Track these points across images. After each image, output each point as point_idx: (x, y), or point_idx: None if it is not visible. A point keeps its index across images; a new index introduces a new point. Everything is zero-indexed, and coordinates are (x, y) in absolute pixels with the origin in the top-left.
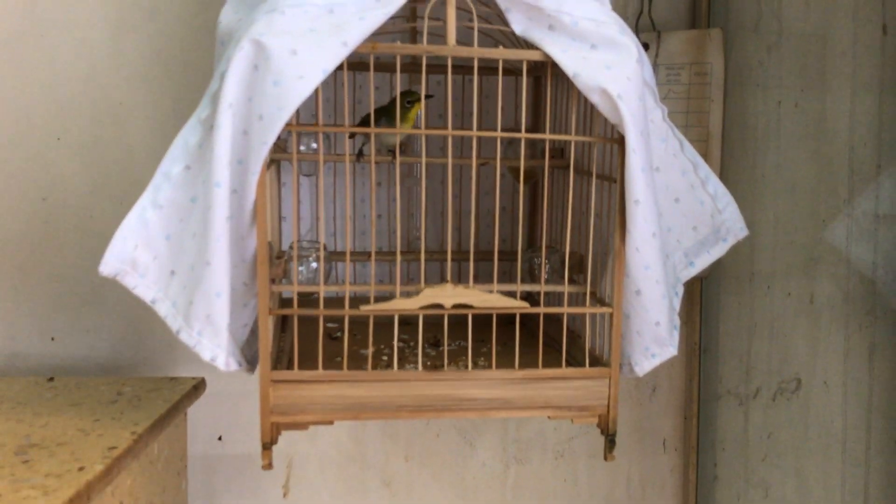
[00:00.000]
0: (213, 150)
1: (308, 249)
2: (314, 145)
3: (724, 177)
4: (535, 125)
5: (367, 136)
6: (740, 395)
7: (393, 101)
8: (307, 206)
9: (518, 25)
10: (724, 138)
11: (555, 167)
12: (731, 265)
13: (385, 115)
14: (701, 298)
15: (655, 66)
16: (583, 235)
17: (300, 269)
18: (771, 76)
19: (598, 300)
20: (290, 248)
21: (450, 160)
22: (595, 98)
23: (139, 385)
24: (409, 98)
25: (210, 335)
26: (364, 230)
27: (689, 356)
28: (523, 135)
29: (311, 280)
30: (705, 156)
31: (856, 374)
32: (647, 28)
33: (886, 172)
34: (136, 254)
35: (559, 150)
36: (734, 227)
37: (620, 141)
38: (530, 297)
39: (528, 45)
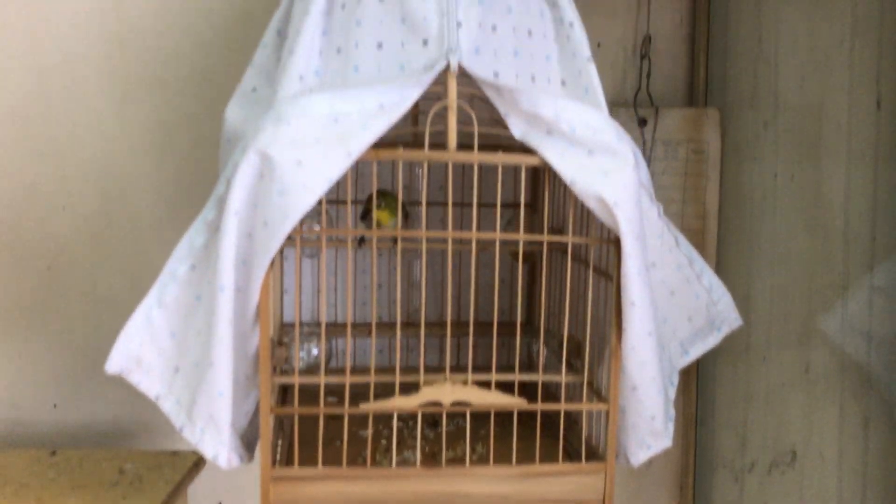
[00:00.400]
0: (218, 254)
1: (309, 336)
2: (316, 227)
3: (720, 249)
4: (535, 198)
5: (367, 223)
6: (735, 468)
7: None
8: (308, 279)
9: (517, 130)
10: (721, 211)
11: (553, 249)
12: (726, 337)
13: (384, 201)
14: (697, 370)
15: (653, 140)
16: (580, 317)
17: (301, 354)
18: (767, 149)
19: (595, 391)
20: (291, 329)
21: (449, 252)
22: (592, 204)
23: (140, 461)
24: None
25: (213, 433)
26: (365, 300)
27: (686, 428)
28: (521, 236)
29: (312, 366)
30: (702, 232)
31: (851, 446)
32: (645, 104)
33: (881, 244)
34: (141, 351)
35: (557, 231)
36: (729, 317)
37: (617, 242)
38: (529, 384)
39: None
